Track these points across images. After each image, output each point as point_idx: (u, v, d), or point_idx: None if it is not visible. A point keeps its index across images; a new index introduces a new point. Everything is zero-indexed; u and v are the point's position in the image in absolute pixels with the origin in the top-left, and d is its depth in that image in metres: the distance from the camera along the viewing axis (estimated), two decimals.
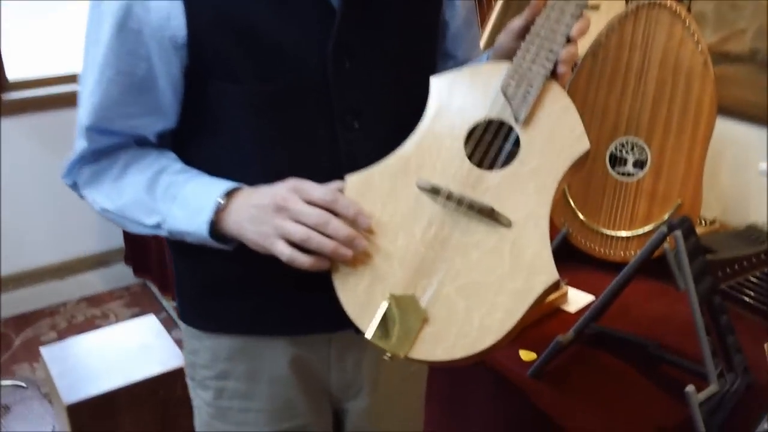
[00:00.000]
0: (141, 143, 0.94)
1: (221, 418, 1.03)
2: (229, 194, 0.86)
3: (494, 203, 0.81)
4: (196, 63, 0.85)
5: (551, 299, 1.28)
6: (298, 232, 0.79)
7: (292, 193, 0.82)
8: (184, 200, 0.87)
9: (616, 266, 1.23)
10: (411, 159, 0.86)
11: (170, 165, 0.91)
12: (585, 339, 1.18)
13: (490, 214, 0.81)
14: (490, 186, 0.82)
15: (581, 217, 1.44)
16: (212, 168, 0.89)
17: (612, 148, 1.40)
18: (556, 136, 0.82)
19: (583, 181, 1.43)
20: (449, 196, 0.83)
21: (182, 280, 1.02)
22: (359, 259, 0.82)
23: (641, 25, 1.35)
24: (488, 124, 0.85)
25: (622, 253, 1.40)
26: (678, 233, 0.96)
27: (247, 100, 0.86)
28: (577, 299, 1.33)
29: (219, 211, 0.85)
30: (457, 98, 0.88)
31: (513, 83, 0.84)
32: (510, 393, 1.14)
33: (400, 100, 0.91)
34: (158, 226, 0.90)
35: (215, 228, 0.85)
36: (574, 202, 1.44)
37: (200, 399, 1.05)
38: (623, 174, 1.40)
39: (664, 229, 0.98)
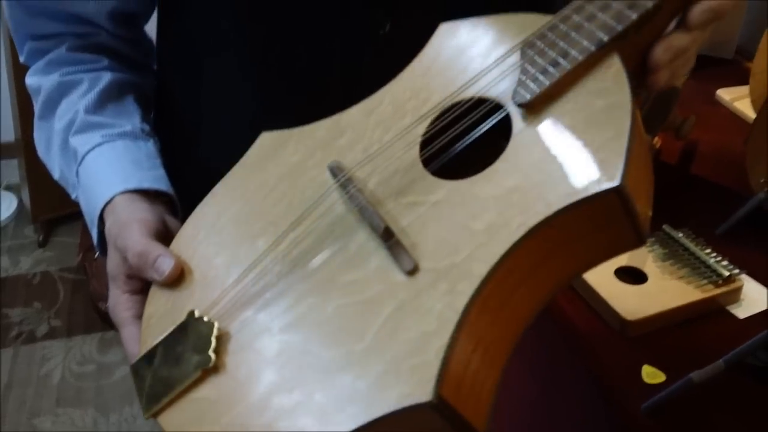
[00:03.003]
0: (87, 37, 0.72)
1: None
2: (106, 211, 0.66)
3: (411, 227, 0.48)
4: None
5: (714, 294, 0.91)
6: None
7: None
8: (82, 196, 0.69)
9: None
10: (348, 128, 0.56)
11: (78, 117, 0.70)
12: (747, 371, 0.82)
13: (385, 238, 0.48)
14: (425, 199, 0.49)
15: None
16: (193, 64, 0.65)
17: None
18: (567, 151, 0.46)
19: None
20: (344, 187, 0.52)
21: None
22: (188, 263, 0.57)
23: None
24: (477, 103, 0.51)
25: None
26: None
27: None
28: (756, 299, 0.94)
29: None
30: (451, 56, 0.54)
31: (540, 44, 0.49)
32: (612, 426, 0.82)
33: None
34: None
35: None
36: None
37: None
38: None
39: None
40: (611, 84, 0.46)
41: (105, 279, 0.61)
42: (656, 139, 1.27)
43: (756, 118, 1.03)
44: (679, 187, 1.15)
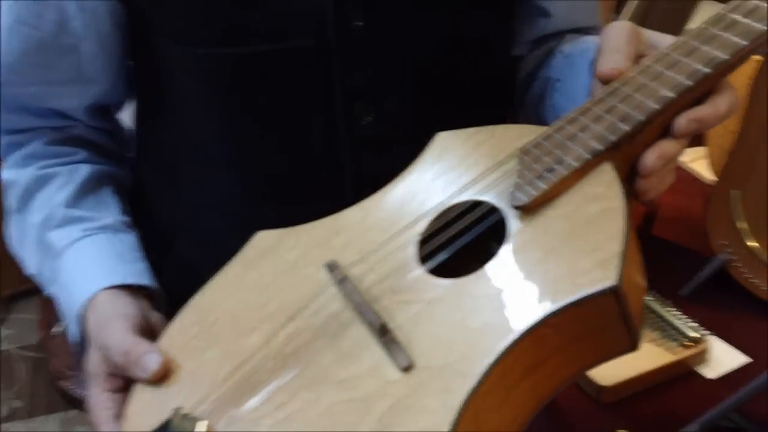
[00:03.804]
0: (64, 130, 0.72)
1: None
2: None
3: (406, 324, 0.48)
4: (132, 15, 0.61)
5: (684, 356, 0.93)
6: None
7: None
8: (60, 292, 0.67)
9: None
10: (345, 228, 0.56)
11: (56, 211, 0.69)
12: None
13: (380, 334, 0.48)
14: (420, 297, 0.50)
15: (750, 242, 1.04)
16: (172, 165, 0.65)
17: None
18: (563, 253, 0.47)
19: (762, 192, 1.03)
20: (340, 284, 0.52)
21: None
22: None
23: None
24: (474, 206, 0.53)
25: None
26: None
27: (204, 71, 0.60)
28: (723, 359, 0.95)
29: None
30: (450, 162, 0.56)
31: (536, 152, 0.52)
32: None
33: (444, 85, 0.60)
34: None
35: None
36: (744, 222, 1.05)
37: None
38: None
39: None
40: (605, 190, 0.48)
41: (66, 357, 0.60)
42: None
43: (716, 183, 1.06)
44: (643, 250, 1.17)
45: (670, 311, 0.97)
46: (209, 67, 0.61)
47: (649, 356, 0.91)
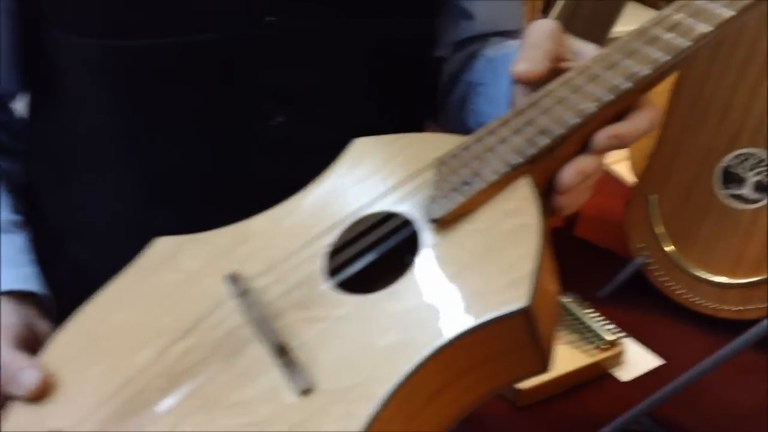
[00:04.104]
0: None
1: None
2: None
3: (310, 343, 0.46)
4: (23, 1, 0.57)
5: (600, 358, 0.94)
6: None
7: None
8: None
9: (704, 321, 0.96)
10: (252, 236, 0.53)
11: None
12: None
13: (278, 354, 0.45)
14: (327, 314, 0.47)
15: (667, 246, 1.06)
16: (63, 161, 0.61)
17: (727, 160, 1.01)
18: (476, 270, 0.46)
19: (679, 198, 1.05)
20: (242, 297, 0.49)
21: None
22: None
23: None
24: (388, 217, 0.51)
25: (714, 305, 1.02)
26: None
27: (98, 64, 0.55)
28: (637, 361, 0.97)
29: None
30: (366, 170, 0.54)
31: (454, 163, 0.50)
32: None
33: (362, 88, 0.59)
34: None
35: None
36: (661, 227, 1.06)
37: None
38: (737, 198, 1.01)
39: None
40: (521, 204, 0.47)
41: None
42: None
43: (635, 187, 1.07)
44: (565, 250, 1.18)
45: (587, 313, 0.98)
46: (103, 61, 0.56)
47: (565, 359, 0.92)
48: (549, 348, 0.46)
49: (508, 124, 0.50)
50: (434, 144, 0.53)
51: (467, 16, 0.67)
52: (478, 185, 0.47)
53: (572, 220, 1.25)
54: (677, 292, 1.05)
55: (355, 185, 0.54)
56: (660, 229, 1.06)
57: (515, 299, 0.42)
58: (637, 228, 1.07)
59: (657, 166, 1.04)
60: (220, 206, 0.55)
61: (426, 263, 0.47)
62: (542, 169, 0.49)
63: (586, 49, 0.51)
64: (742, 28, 0.97)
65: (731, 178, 1.01)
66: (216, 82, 0.57)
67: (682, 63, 0.48)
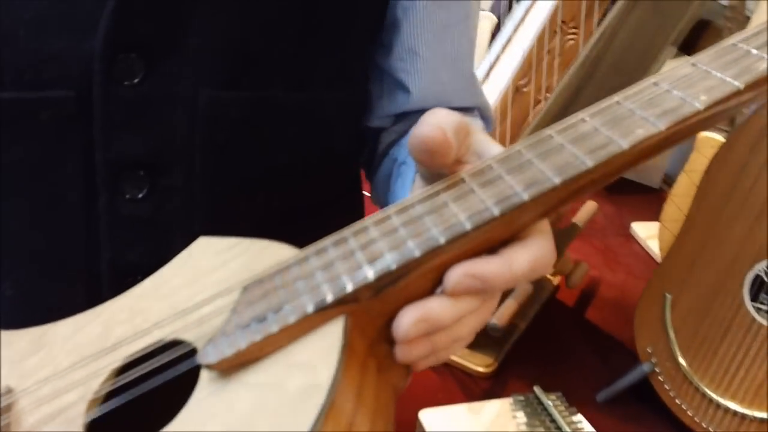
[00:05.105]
0: None
1: None
2: None
3: None
4: None
5: None
6: None
7: None
8: None
9: None
10: (48, 344, 0.45)
11: None
12: None
13: None
14: None
15: (679, 357, 0.90)
16: None
17: (761, 268, 0.85)
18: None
19: (699, 303, 0.89)
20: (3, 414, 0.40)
21: None
22: None
23: None
24: (170, 345, 0.39)
25: None
26: None
27: None
28: None
29: None
30: (188, 277, 0.44)
31: (257, 291, 0.37)
32: None
33: (246, 166, 0.48)
34: None
35: None
36: (674, 332, 0.91)
37: None
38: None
39: None
40: (319, 356, 0.34)
41: None
42: (557, 277, 1.16)
43: (650, 280, 0.92)
44: (569, 336, 1.04)
45: (571, 423, 0.84)
46: None
47: None
48: None
49: (342, 244, 0.36)
50: (272, 256, 0.40)
51: (404, 89, 0.54)
52: (270, 327, 0.35)
53: (586, 299, 1.11)
54: (684, 411, 0.90)
55: (172, 295, 0.43)
56: (673, 335, 0.90)
57: None
58: (647, 327, 0.92)
59: (677, 259, 0.89)
60: (63, 289, 0.46)
61: (190, 419, 0.35)
62: (369, 312, 0.35)
63: (489, 151, 0.36)
64: None
65: (764, 289, 0.85)
66: (67, 146, 0.47)
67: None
